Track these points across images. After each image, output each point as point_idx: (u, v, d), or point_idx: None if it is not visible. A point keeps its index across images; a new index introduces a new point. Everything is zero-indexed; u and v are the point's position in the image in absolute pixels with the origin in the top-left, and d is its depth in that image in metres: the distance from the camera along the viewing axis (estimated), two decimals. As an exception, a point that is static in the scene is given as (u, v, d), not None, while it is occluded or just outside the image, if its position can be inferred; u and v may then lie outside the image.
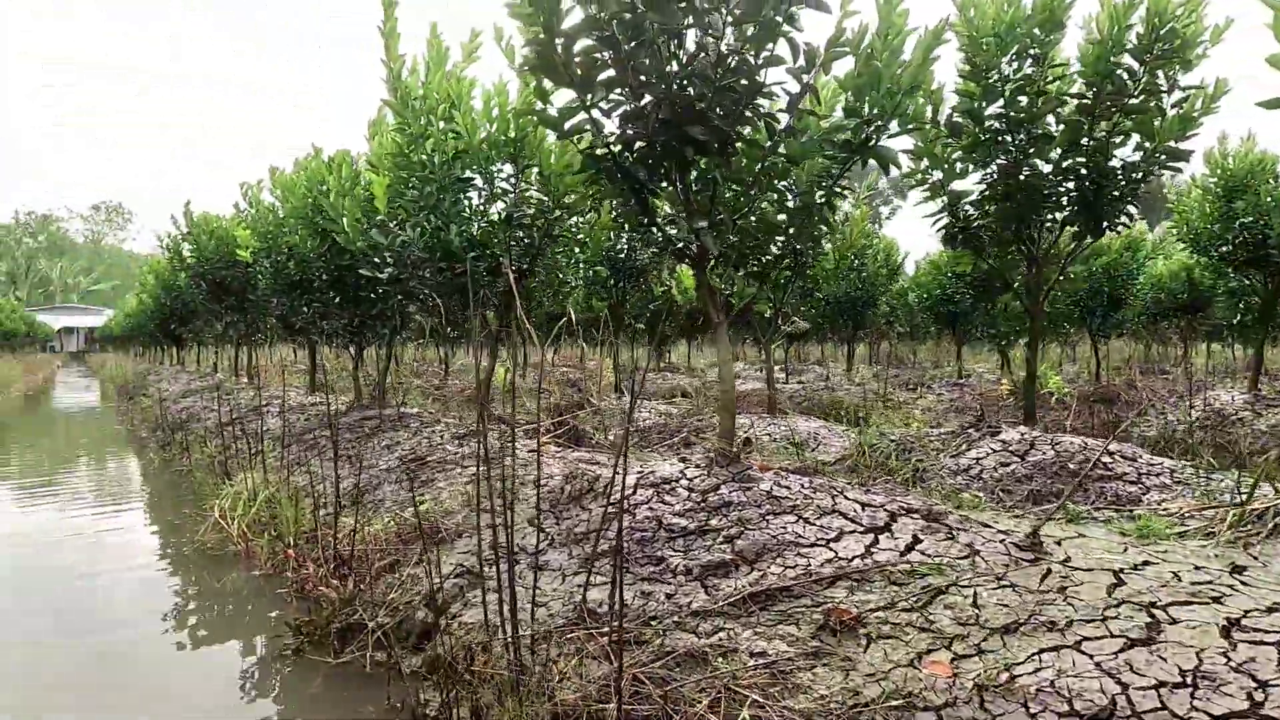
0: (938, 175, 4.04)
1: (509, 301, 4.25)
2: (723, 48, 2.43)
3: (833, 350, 21.36)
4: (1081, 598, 1.80)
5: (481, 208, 4.25)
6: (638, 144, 2.51)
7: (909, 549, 2.11)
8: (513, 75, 3.64)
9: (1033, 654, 1.60)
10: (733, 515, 2.35)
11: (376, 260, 3.94)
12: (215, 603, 3.04)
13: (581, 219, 4.48)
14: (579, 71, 2.42)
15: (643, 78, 2.44)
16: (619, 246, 5.96)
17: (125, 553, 3.79)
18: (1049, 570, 1.96)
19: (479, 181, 4.14)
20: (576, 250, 4.75)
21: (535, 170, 4.08)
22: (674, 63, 2.46)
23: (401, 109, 3.90)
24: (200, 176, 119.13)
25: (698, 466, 2.77)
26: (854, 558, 2.09)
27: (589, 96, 2.38)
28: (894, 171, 2.87)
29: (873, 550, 2.12)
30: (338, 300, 5.81)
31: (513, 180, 4.07)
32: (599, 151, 2.55)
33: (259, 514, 3.78)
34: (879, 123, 2.48)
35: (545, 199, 4.08)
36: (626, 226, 5.98)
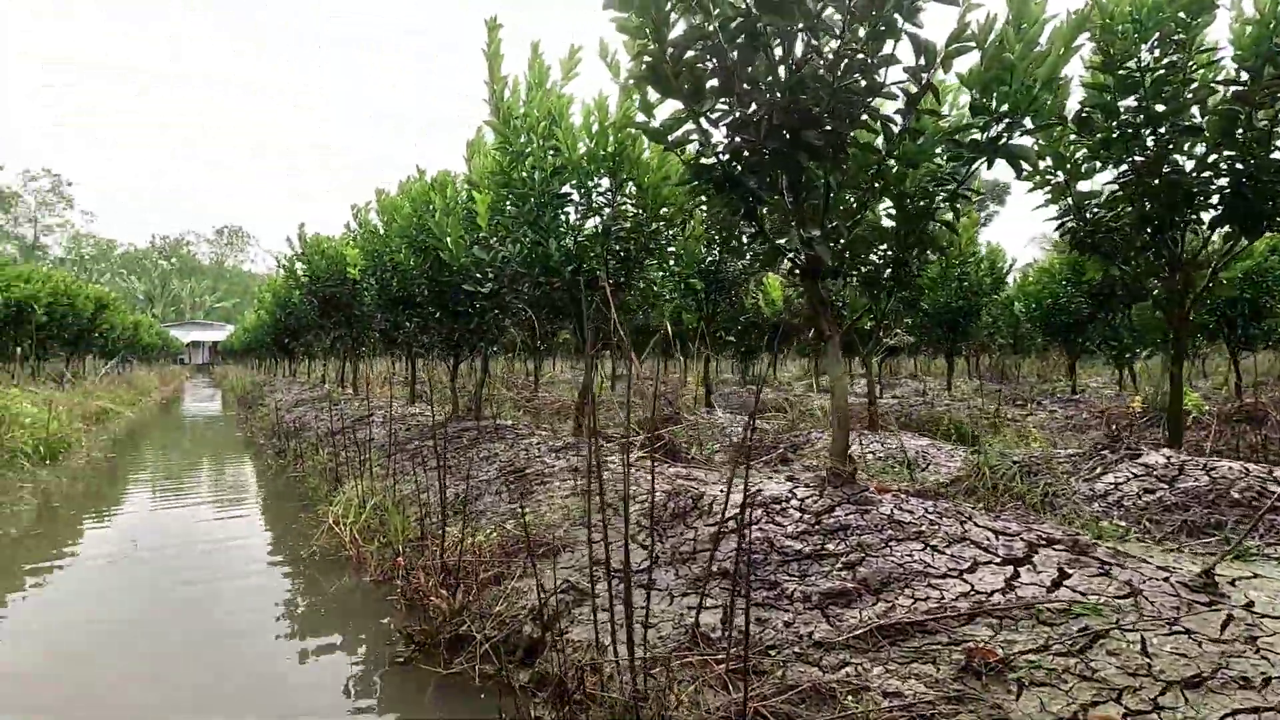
0: (1061, 176, 3.75)
1: (605, 314, 4.25)
2: (829, 48, 2.34)
3: (925, 363, 20.42)
4: (1277, 650, 1.57)
5: (577, 222, 4.30)
6: (746, 153, 2.44)
7: (1056, 585, 1.92)
8: (612, 90, 3.66)
9: (1225, 715, 1.39)
10: (851, 540, 2.22)
11: (478, 276, 4.04)
12: (329, 607, 3.16)
13: (677, 232, 4.45)
14: (687, 83, 2.38)
15: (746, 86, 2.38)
16: (709, 259, 5.90)
17: (246, 554, 4.02)
18: (1229, 616, 1.72)
19: (575, 196, 4.19)
20: (670, 263, 4.71)
21: (632, 184, 4.08)
22: (781, 68, 2.39)
23: (503, 128, 3.99)
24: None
25: (807, 486, 2.65)
26: (992, 592, 1.91)
27: (698, 106, 2.33)
28: (1006, 174, 2.67)
29: (1014, 584, 1.94)
30: (438, 315, 6.03)
31: (609, 194, 4.09)
32: (706, 162, 2.49)
33: (368, 520, 3.92)
34: (1011, 119, 2.30)
35: (641, 212, 4.07)
36: (717, 238, 5.91)
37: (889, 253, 3.39)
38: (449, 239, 4.01)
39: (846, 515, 2.34)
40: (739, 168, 2.45)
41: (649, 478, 3.60)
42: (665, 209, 3.98)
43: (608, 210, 4.09)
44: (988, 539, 2.19)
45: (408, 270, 5.95)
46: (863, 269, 3.65)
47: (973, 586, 1.95)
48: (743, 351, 13.34)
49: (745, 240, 5.95)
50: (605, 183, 4.07)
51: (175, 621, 3.02)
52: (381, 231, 6.95)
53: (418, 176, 5.80)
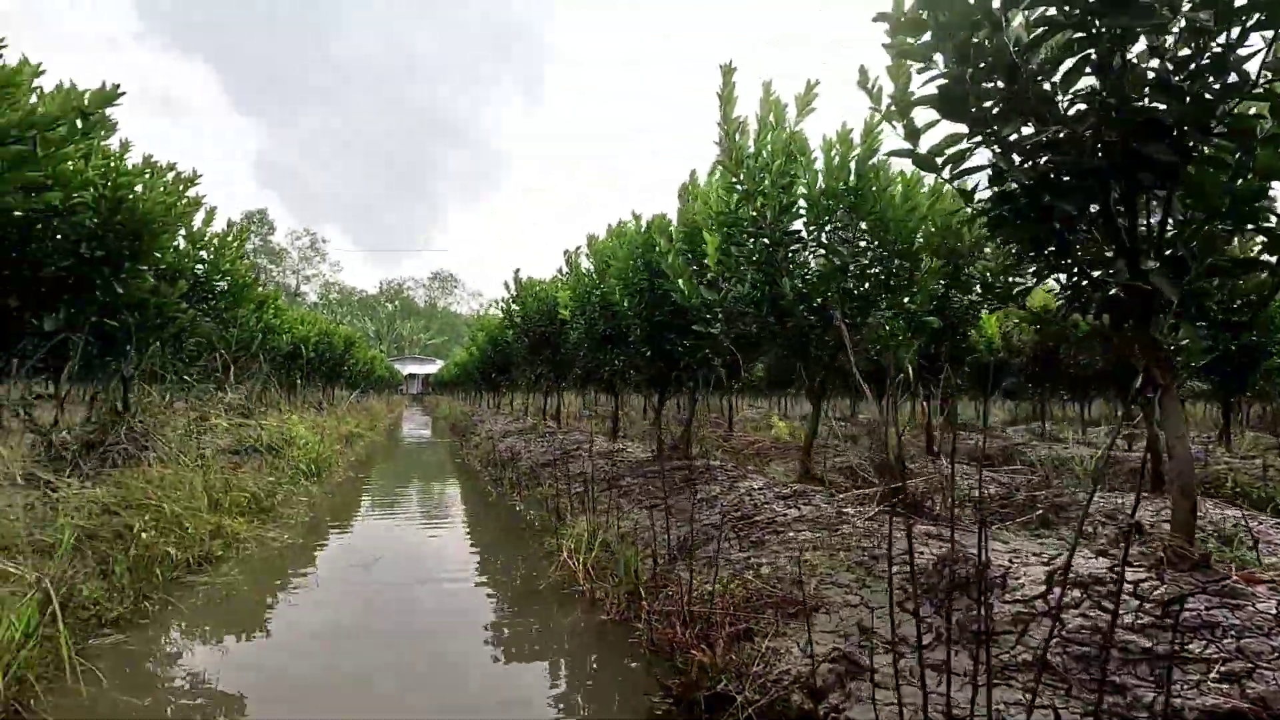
0: None
1: (835, 355, 4.03)
2: (1170, 47, 1.99)
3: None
4: None
5: (806, 259, 4.15)
6: (1057, 175, 2.14)
7: None
8: (856, 122, 3.49)
9: None
10: (1226, 643, 1.78)
11: (708, 316, 4.02)
12: (570, 643, 3.21)
13: (912, 267, 4.12)
14: (983, 104, 2.16)
15: (1057, 101, 2.10)
16: (938, 296, 5.43)
17: (481, 579, 4.26)
18: None
19: (804, 234, 4.05)
20: (906, 300, 4.38)
21: (868, 219, 3.85)
22: (1104, 77, 2.08)
23: (735, 168, 3.98)
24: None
25: (1132, 565, 2.21)
26: None
27: (1003, 128, 2.09)
28: None
29: None
30: (648, 353, 6.15)
31: (845, 230, 3.90)
32: (1005, 189, 2.23)
33: (598, 557, 3.99)
34: None
35: (880, 248, 3.83)
36: (947, 273, 5.43)
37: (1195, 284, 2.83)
38: (681, 280, 4.05)
39: (1208, 610, 1.89)
40: (1046, 194, 2.16)
41: (899, 535, 3.28)
42: (910, 244, 3.70)
43: (843, 247, 3.90)
44: None
45: (622, 311, 6.15)
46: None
47: None
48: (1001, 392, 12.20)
49: (979, 272, 5.42)
50: (840, 218, 3.89)
51: (418, 641, 3.22)
52: (592, 274, 7.32)
53: (632, 220, 6.02)
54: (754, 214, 4.04)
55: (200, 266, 6.44)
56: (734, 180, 4.11)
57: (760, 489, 4.34)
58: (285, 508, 5.99)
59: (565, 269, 8.37)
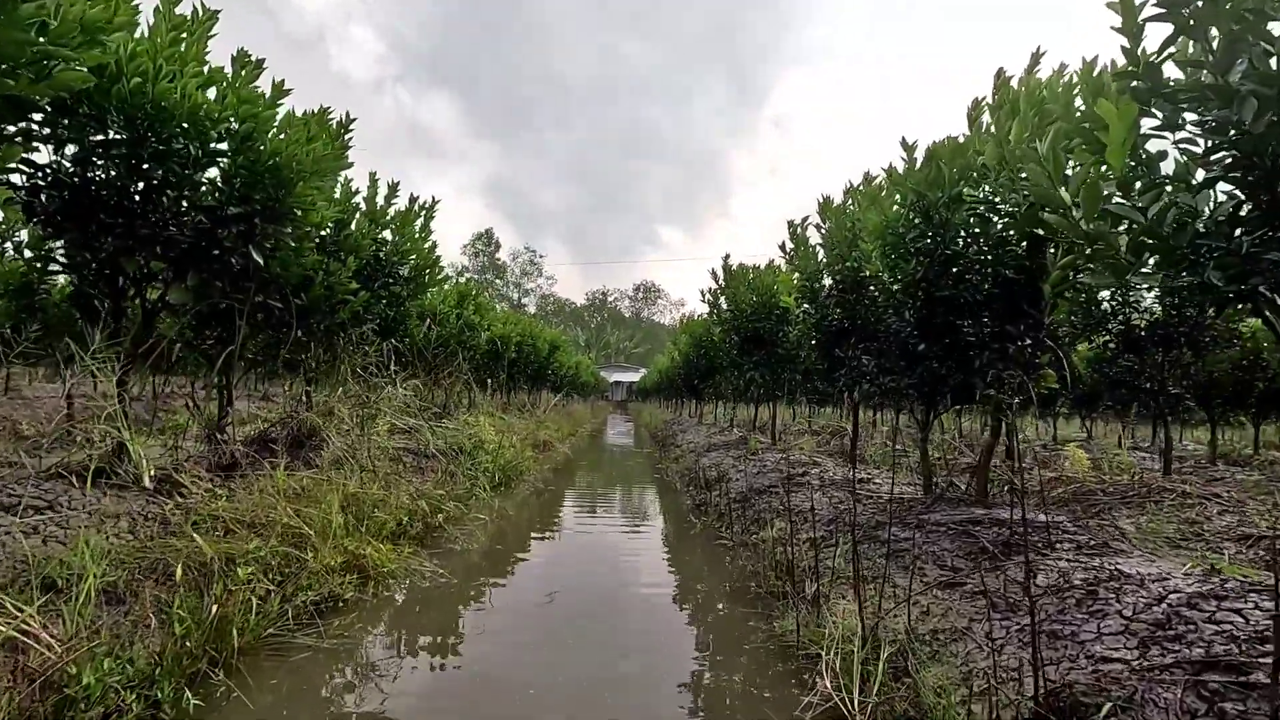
0: None
1: None
2: None
3: None
4: None
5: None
6: None
7: None
8: None
9: None
10: None
11: (1126, 259, 2.09)
12: None
13: None
14: None
15: None
16: None
17: (683, 693, 2.71)
18: None
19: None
20: None
21: None
22: None
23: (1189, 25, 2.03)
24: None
25: None
26: None
27: None
28: None
29: None
30: (921, 348, 4.23)
31: None
32: None
33: (885, 687, 2.25)
34: None
35: None
36: None
37: None
38: (1066, 190, 2.15)
39: None
40: None
41: None
42: None
43: None
44: None
45: (882, 288, 4.33)
46: None
47: None
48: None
49: None
50: None
51: None
52: (831, 243, 5.56)
53: (905, 154, 4.16)
54: (1211, 78, 2.04)
55: (382, 249, 5.80)
56: (1160, 10, 2.16)
57: (1195, 588, 2.27)
58: (453, 526, 5.03)
59: (789, 245, 6.66)
